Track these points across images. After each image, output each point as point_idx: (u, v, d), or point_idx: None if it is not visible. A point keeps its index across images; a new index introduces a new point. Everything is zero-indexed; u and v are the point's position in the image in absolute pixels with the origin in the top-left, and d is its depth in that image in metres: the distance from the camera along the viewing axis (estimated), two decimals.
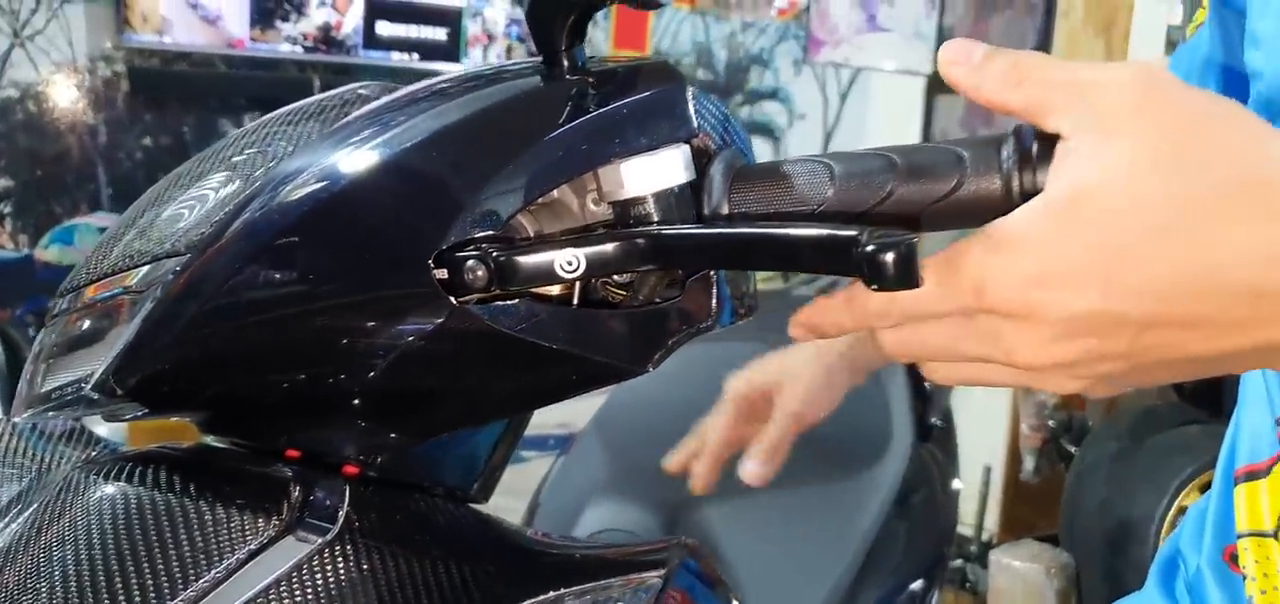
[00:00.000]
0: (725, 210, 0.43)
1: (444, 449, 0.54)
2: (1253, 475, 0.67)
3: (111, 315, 0.48)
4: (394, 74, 2.28)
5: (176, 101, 2.18)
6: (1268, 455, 0.66)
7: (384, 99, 0.49)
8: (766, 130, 2.85)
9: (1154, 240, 0.35)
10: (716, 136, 0.45)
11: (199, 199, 0.49)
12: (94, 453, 0.63)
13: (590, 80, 0.44)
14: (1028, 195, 0.38)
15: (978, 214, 0.39)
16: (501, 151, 0.43)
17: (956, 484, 1.57)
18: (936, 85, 3.01)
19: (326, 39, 2.18)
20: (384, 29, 2.23)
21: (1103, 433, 2.59)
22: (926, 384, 1.46)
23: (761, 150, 2.83)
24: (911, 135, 3.05)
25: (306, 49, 2.17)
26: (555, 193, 0.45)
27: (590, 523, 1.18)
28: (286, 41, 2.14)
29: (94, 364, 0.47)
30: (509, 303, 0.42)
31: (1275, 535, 0.66)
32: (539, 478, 1.32)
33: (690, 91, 0.45)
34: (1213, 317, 0.36)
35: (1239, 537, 0.67)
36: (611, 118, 0.43)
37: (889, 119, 3.00)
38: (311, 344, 0.44)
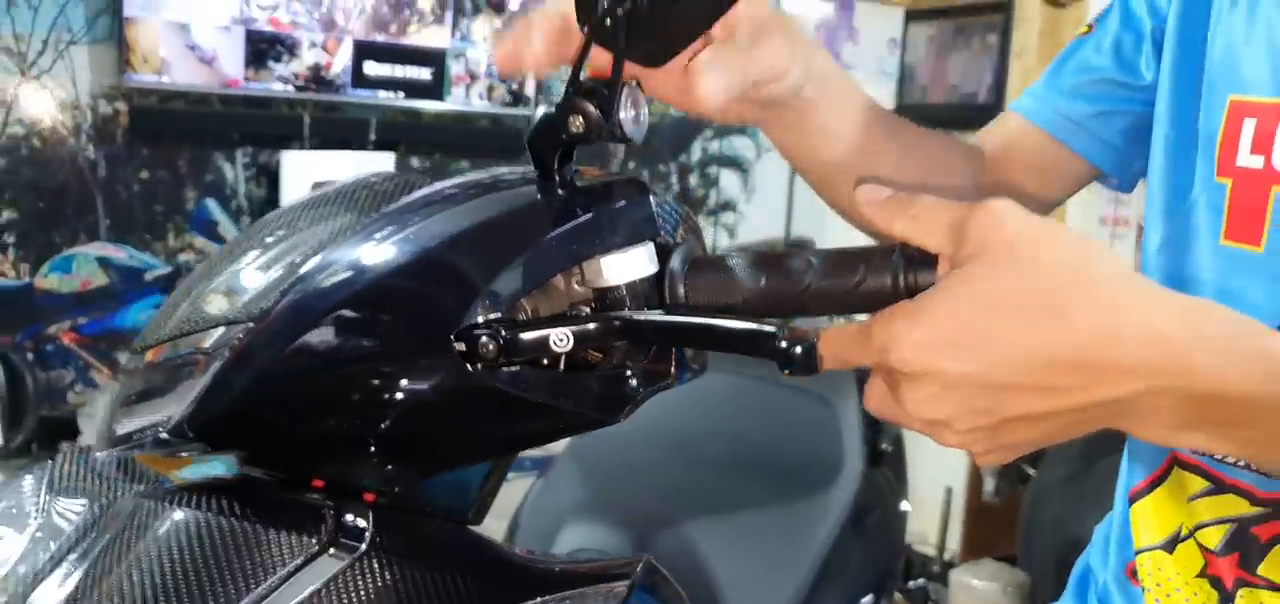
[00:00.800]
0: (682, 295, 0.55)
1: (446, 480, 0.66)
2: (1142, 493, 0.80)
3: (183, 371, 0.59)
4: (381, 111, 2.40)
5: (173, 137, 2.28)
6: (1154, 469, 0.78)
7: (402, 200, 0.60)
8: (736, 163, 2.98)
9: (1009, 323, 0.48)
10: (674, 234, 0.57)
11: (255, 272, 0.60)
12: (148, 485, 0.73)
13: (575, 191, 0.57)
14: (910, 291, 0.51)
15: (874, 304, 0.52)
16: (507, 251, 0.55)
17: (904, 505, 1.69)
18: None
19: (317, 78, 2.29)
20: (371, 69, 2.34)
21: (1057, 455, 2.72)
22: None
23: (731, 181, 2.96)
24: None
25: (298, 88, 2.27)
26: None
27: (566, 541, 1.29)
28: (278, 81, 2.25)
29: (167, 411, 0.58)
30: (511, 369, 0.54)
31: (1166, 549, 0.78)
32: (518, 498, 1.43)
33: (654, 200, 0.57)
34: (1053, 382, 0.49)
35: (1137, 552, 0.79)
36: (593, 223, 0.55)
37: None
38: (346, 398, 0.56)
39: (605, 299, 0.55)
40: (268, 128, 2.34)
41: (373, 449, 0.60)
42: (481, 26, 2.44)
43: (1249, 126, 0.72)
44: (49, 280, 2.21)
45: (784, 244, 3.02)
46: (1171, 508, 0.77)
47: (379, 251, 0.56)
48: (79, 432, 2.12)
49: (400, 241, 0.56)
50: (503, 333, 0.53)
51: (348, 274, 0.56)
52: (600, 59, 0.54)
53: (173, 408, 0.58)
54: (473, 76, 2.45)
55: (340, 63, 2.30)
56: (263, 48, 2.22)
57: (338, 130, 2.38)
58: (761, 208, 3.00)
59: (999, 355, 0.48)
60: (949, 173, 0.84)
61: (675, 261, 0.55)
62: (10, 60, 2.12)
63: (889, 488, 1.68)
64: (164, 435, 0.58)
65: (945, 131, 0.91)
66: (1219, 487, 0.73)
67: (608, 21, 0.51)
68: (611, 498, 1.35)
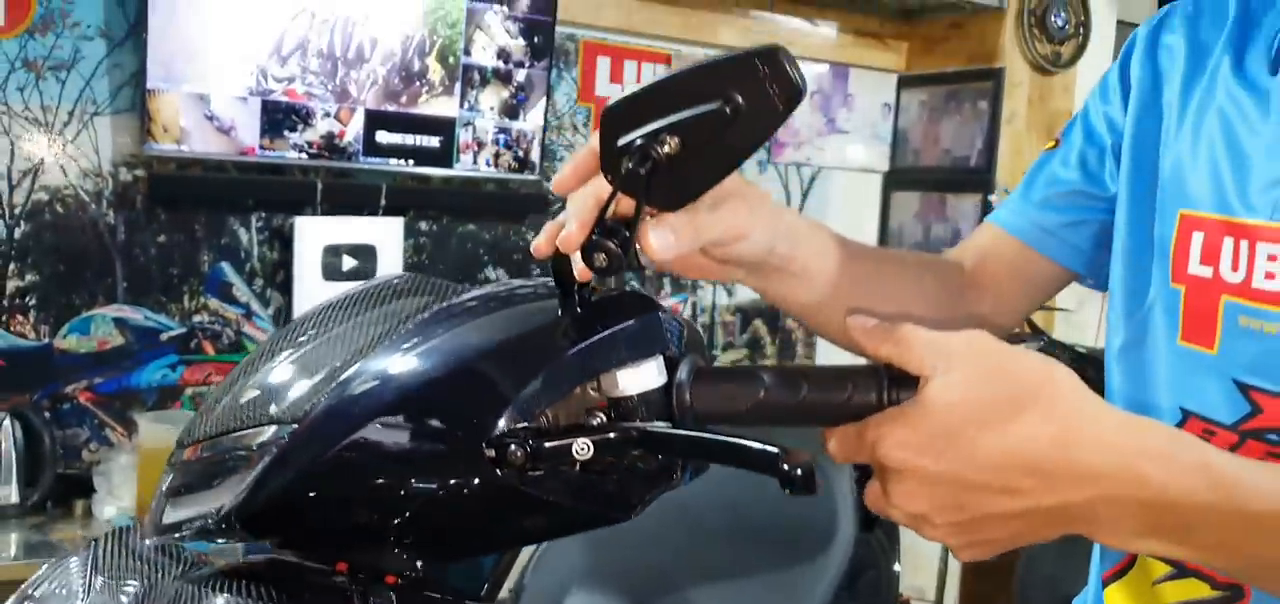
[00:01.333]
0: (688, 404, 0.62)
1: (461, 563, 0.73)
2: (1114, 578, 0.86)
3: (227, 466, 0.66)
4: (391, 177, 2.48)
5: (190, 202, 2.36)
6: (1124, 555, 0.84)
7: (431, 311, 0.68)
8: None
9: (978, 430, 0.55)
10: (678, 345, 0.65)
11: (294, 374, 0.67)
12: (185, 567, 0.80)
13: (591, 308, 0.64)
14: (893, 406, 0.58)
15: (861, 417, 0.59)
16: (532, 365, 0.62)
17: (896, 568, 1.75)
18: (892, 182, 3.24)
19: (330, 146, 2.37)
20: (383, 137, 2.42)
21: None
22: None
23: None
24: (870, 228, 3.27)
25: (311, 155, 2.36)
26: None
27: None
28: (293, 149, 2.34)
29: (214, 503, 0.65)
30: (536, 473, 0.61)
31: None
32: (521, 562, 1.49)
33: (662, 317, 0.65)
34: (1015, 484, 0.56)
35: None
36: (609, 339, 0.62)
37: (848, 213, 3.22)
38: (380, 495, 0.63)
39: (618, 406, 0.62)
40: (282, 194, 2.43)
41: (398, 538, 0.67)
42: (489, 97, 2.53)
43: (1197, 239, 0.79)
44: (68, 341, 2.28)
45: None
46: (1141, 591, 0.83)
47: (413, 363, 0.63)
48: (94, 490, 2.18)
49: (433, 353, 0.64)
50: (530, 443, 0.60)
51: (385, 384, 0.63)
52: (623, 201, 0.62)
53: (219, 500, 0.65)
54: (479, 144, 2.54)
55: (353, 131, 2.39)
56: (278, 117, 2.31)
57: (350, 196, 2.46)
58: None
59: (967, 457, 0.56)
60: (925, 295, 0.92)
61: (682, 373, 0.62)
62: (38, 131, 2.21)
63: (882, 550, 1.74)
64: (212, 526, 0.64)
65: (920, 253, 1.00)
66: (1182, 571, 0.79)
67: (634, 176, 0.59)
68: (613, 564, 1.41)
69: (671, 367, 0.63)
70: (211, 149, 2.26)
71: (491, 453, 0.60)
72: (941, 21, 3.09)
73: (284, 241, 2.43)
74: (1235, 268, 0.76)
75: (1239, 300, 0.75)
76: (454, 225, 2.66)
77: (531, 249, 0.68)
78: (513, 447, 0.60)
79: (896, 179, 3.20)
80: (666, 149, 0.58)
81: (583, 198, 0.64)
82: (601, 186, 0.62)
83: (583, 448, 0.60)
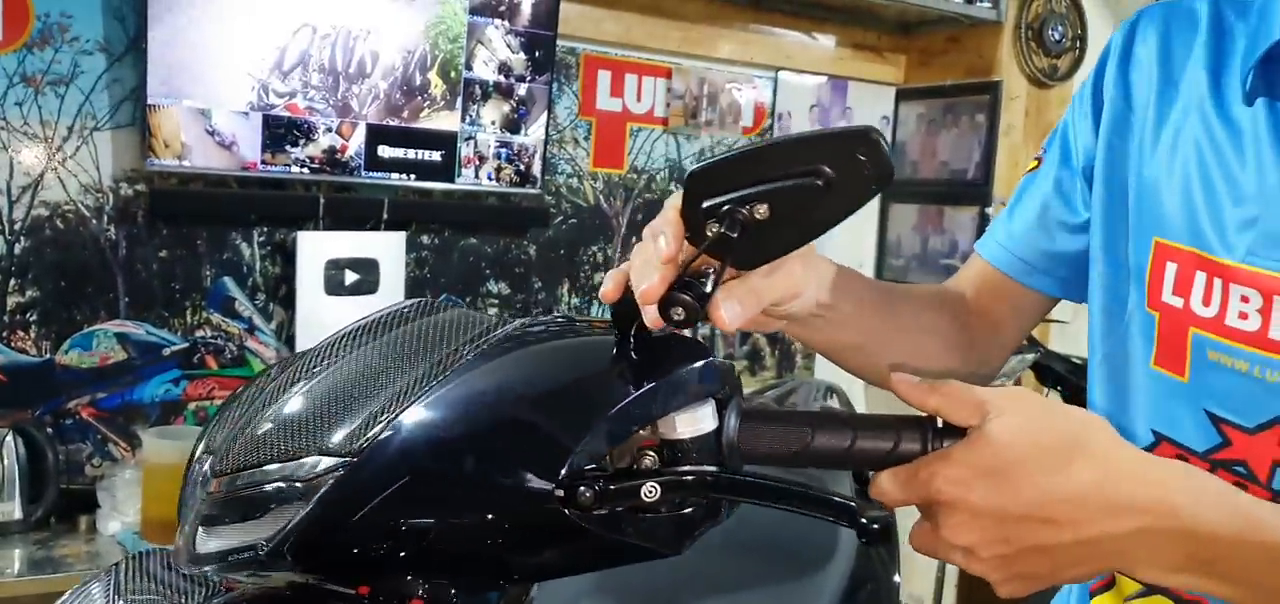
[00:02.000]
0: (737, 446, 0.64)
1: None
2: (1103, 589, 0.88)
3: (271, 498, 0.66)
4: (393, 191, 2.48)
5: (192, 218, 2.36)
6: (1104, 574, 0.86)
7: (483, 345, 0.69)
8: None
9: (1024, 469, 0.59)
10: (726, 388, 0.66)
11: (336, 404, 0.67)
12: (207, 590, 0.80)
13: (648, 352, 0.66)
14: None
15: (906, 463, 0.62)
16: (598, 408, 0.63)
17: (897, 579, 1.76)
18: (890, 194, 3.25)
19: (332, 161, 2.37)
20: (384, 152, 2.43)
21: None
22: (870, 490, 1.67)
23: None
24: (868, 241, 3.28)
25: (313, 170, 2.36)
26: None
27: None
28: (295, 164, 2.34)
29: (255, 535, 0.65)
30: (601, 512, 0.62)
31: None
32: None
33: (714, 362, 0.66)
34: (1054, 516, 0.59)
35: None
36: (670, 385, 0.64)
37: (847, 226, 3.22)
38: (441, 530, 0.64)
39: (671, 447, 0.64)
40: (284, 208, 2.43)
41: (442, 567, 0.68)
42: (490, 111, 2.53)
43: (1171, 269, 0.80)
44: (69, 356, 2.27)
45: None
46: None
47: (480, 400, 0.65)
48: (98, 505, 2.18)
49: (498, 391, 0.65)
50: (599, 486, 0.62)
51: (451, 420, 0.64)
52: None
53: (261, 532, 0.66)
54: (481, 158, 2.55)
55: (354, 146, 2.39)
56: (280, 132, 2.31)
57: (351, 210, 2.46)
58: None
59: (1015, 492, 0.59)
60: (939, 328, 0.94)
61: (731, 417, 0.64)
62: (37, 146, 2.20)
63: (882, 563, 1.75)
64: (261, 557, 0.65)
65: (929, 286, 1.02)
66: (1151, 589, 0.81)
67: (723, 238, 0.62)
68: (621, 579, 1.42)
69: (720, 408, 0.65)
70: (213, 164, 2.26)
71: (561, 493, 0.62)
72: (939, 35, 3.11)
73: (286, 256, 2.43)
74: (1207, 303, 0.77)
75: (1209, 335, 0.77)
76: (456, 239, 2.67)
77: (600, 295, 0.70)
78: (583, 488, 0.61)
79: (894, 191, 3.21)
80: (757, 215, 0.61)
81: (659, 254, 0.65)
82: (679, 244, 0.64)
83: (651, 491, 0.62)
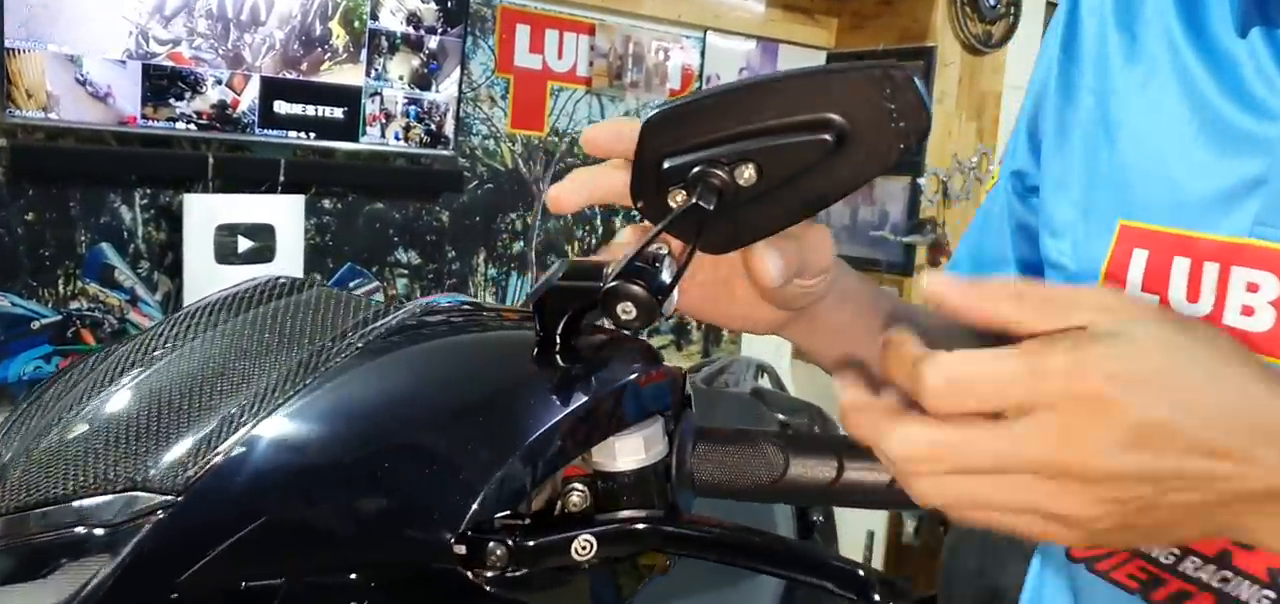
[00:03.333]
0: (690, 475, 0.49)
1: None
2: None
3: (57, 548, 0.49)
4: (291, 151, 2.28)
5: (62, 177, 2.13)
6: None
7: (359, 344, 0.53)
8: None
9: (1201, 379, 0.41)
10: (675, 403, 0.51)
11: (159, 418, 0.51)
12: None
13: (582, 361, 0.50)
14: None
15: (908, 505, 0.46)
16: (514, 434, 0.47)
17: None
18: None
19: (222, 117, 2.16)
20: (281, 108, 2.22)
21: None
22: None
23: None
24: None
25: (201, 127, 2.15)
26: None
27: None
28: (180, 120, 2.12)
29: (42, 600, 0.49)
30: (516, 573, 0.47)
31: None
32: None
33: (667, 370, 0.51)
34: (1231, 447, 0.41)
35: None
36: (608, 405, 0.49)
37: None
38: (295, 594, 0.48)
39: (605, 479, 0.49)
40: (168, 168, 2.21)
41: None
42: (398, 65, 2.35)
43: (1138, 259, 0.62)
44: None
45: None
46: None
47: (352, 418, 0.49)
48: None
49: (377, 405, 0.49)
50: (514, 541, 0.45)
51: (312, 446, 0.48)
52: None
53: (45, 597, 0.49)
54: (388, 116, 2.36)
55: (247, 101, 2.18)
56: (162, 84, 2.09)
57: (245, 171, 2.26)
58: None
59: (1194, 404, 0.41)
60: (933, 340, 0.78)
61: (685, 441, 0.49)
62: None
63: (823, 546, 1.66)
64: None
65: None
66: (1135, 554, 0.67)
67: (693, 211, 0.45)
68: None
69: (667, 428, 0.50)
70: (86, 117, 2.04)
71: (463, 550, 0.46)
72: None
73: (172, 221, 2.22)
74: (1194, 297, 0.59)
75: None
76: (361, 204, 2.47)
77: (549, 200, 0.53)
78: (492, 544, 0.46)
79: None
80: (740, 180, 0.44)
81: (600, 184, 0.51)
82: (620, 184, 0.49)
83: (584, 545, 0.47)
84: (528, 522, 0.48)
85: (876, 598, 0.44)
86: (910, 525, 3.13)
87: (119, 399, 0.55)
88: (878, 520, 3.12)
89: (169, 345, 0.60)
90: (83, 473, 0.51)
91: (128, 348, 0.62)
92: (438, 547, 0.47)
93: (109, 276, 2.21)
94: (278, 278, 0.64)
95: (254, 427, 0.49)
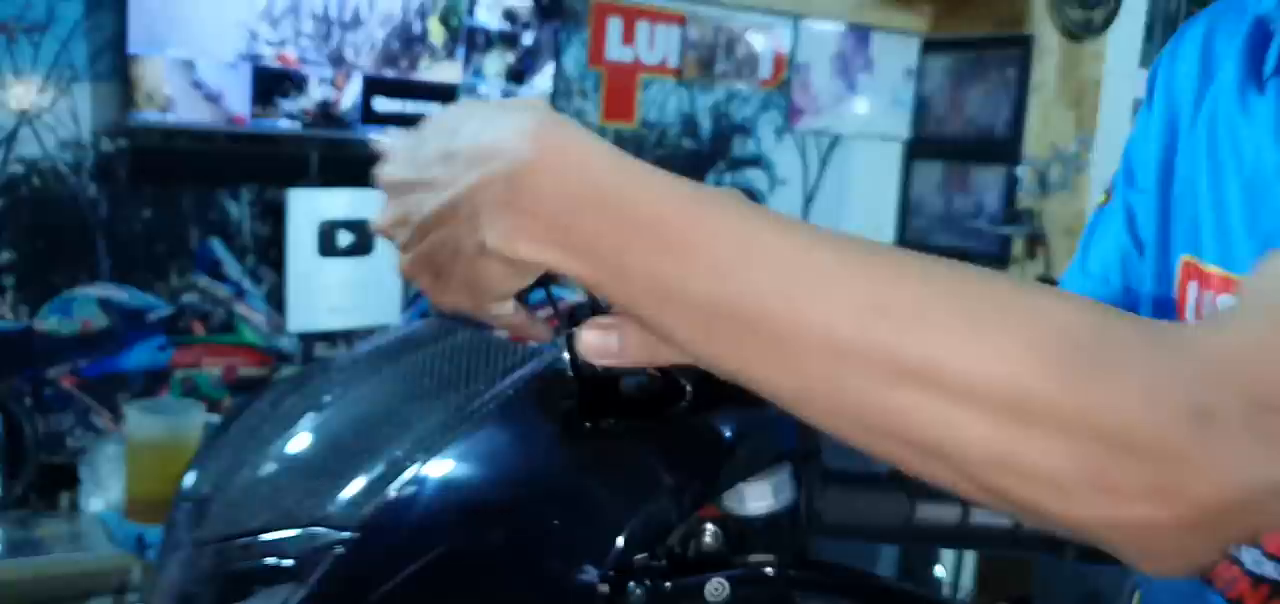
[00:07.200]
0: (820, 519, 0.51)
1: None
2: None
3: (264, 577, 0.53)
4: None
5: (177, 175, 2.22)
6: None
7: (516, 384, 0.56)
8: (750, 195, 2.93)
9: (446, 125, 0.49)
10: (803, 445, 0.53)
11: (335, 456, 0.55)
12: None
13: (712, 402, 0.52)
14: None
15: (1033, 548, 0.49)
16: (653, 479, 0.50)
17: (939, 570, 1.66)
18: (914, 150, 3.11)
19: (325, 115, 2.23)
20: (381, 105, 2.28)
21: None
22: None
23: None
24: (890, 198, 3.15)
25: (305, 125, 2.21)
26: None
27: None
28: (285, 117, 2.19)
29: None
30: None
31: None
32: None
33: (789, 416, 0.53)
34: (435, 172, 0.48)
35: None
36: (739, 444, 0.51)
37: (868, 183, 3.09)
38: None
39: (737, 521, 0.51)
40: (274, 166, 2.28)
41: None
42: (494, 61, 2.38)
43: (1192, 292, 0.66)
44: (48, 323, 2.14)
45: None
46: None
47: (505, 466, 0.52)
48: (79, 481, 2.06)
49: (528, 458, 0.52)
50: (653, 583, 0.48)
51: (472, 491, 0.52)
52: None
53: None
54: None
55: (349, 98, 2.24)
56: (270, 85, 2.16)
57: (346, 168, 2.32)
58: None
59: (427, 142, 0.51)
60: None
61: (814, 486, 0.51)
62: (11, 98, 2.05)
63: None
64: None
65: None
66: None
67: None
68: None
69: (796, 472, 0.52)
70: (199, 118, 2.12)
71: (606, 589, 0.49)
72: None
73: (277, 216, 2.29)
74: None
75: None
76: None
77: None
78: (632, 584, 0.48)
79: (919, 148, 3.07)
80: None
81: None
82: None
83: (718, 589, 0.49)
84: (665, 563, 0.51)
85: None
86: None
87: (299, 440, 0.60)
88: None
89: (337, 389, 0.64)
90: (272, 509, 0.55)
91: (302, 391, 0.66)
92: (584, 587, 0.49)
93: (217, 271, 2.29)
94: (426, 324, 0.67)
95: (419, 468, 0.53)
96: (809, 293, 0.40)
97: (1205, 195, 0.67)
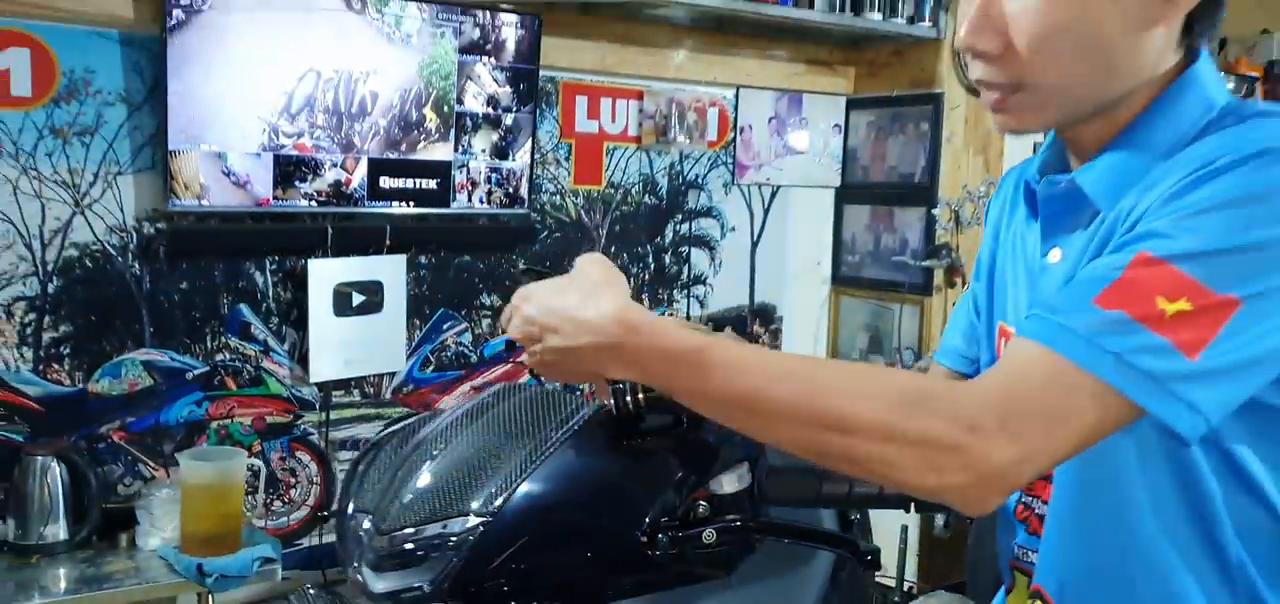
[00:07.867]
0: (766, 493, 0.89)
1: None
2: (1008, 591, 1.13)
3: (432, 548, 0.90)
4: (394, 219, 2.69)
5: (210, 251, 2.55)
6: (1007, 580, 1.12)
7: (576, 426, 0.93)
8: (703, 242, 3.32)
9: (548, 290, 0.86)
10: (755, 451, 0.91)
11: (473, 472, 0.92)
12: None
13: (701, 429, 0.91)
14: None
15: (901, 502, 0.87)
16: (669, 478, 0.90)
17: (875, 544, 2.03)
18: (844, 196, 3.52)
19: (337, 194, 2.57)
20: (385, 182, 2.63)
21: None
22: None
23: (701, 258, 3.29)
24: (825, 238, 3.55)
25: (320, 203, 2.55)
26: None
27: None
28: (303, 198, 2.53)
29: (420, 579, 0.90)
30: (672, 552, 0.89)
31: None
32: None
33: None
34: (547, 322, 0.84)
35: None
36: (721, 456, 0.89)
37: (805, 226, 3.49)
38: (555, 566, 0.89)
39: (718, 497, 0.89)
40: (294, 239, 2.62)
41: (544, 594, 0.93)
42: (480, 140, 2.74)
43: (1004, 346, 1.03)
44: (100, 385, 2.45)
45: (748, 309, 3.36)
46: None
47: (574, 478, 0.89)
48: (136, 522, 2.37)
49: (591, 472, 0.90)
50: (671, 532, 0.87)
51: (562, 488, 0.90)
52: None
53: (424, 575, 0.90)
54: (473, 183, 2.76)
55: (358, 179, 2.59)
56: (289, 170, 2.50)
57: (356, 238, 2.66)
58: (728, 280, 3.35)
59: (537, 301, 0.87)
60: None
61: (762, 474, 0.89)
62: (66, 192, 2.37)
63: (860, 548, 2.02)
64: (428, 595, 0.89)
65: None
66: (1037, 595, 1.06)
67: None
68: None
69: (752, 467, 0.90)
70: (229, 202, 2.44)
71: (644, 539, 0.87)
72: (885, 49, 3.37)
73: (298, 283, 2.62)
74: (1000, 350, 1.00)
75: None
76: (451, 258, 2.88)
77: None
78: (662, 535, 0.86)
79: (848, 194, 3.48)
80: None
81: None
82: None
83: (710, 535, 0.87)
84: (677, 523, 0.89)
85: (860, 547, 0.84)
86: (939, 520, 3.48)
87: (437, 466, 0.97)
88: (912, 518, 3.47)
89: (449, 434, 1.01)
90: (432, 508, 0.92)
91: (420, 436, 1.03)
92: (630, 539, 0.87)
93: (247, 332, 2.62)
94: (491, 392, 1.05)
95: (521, 483, 0.90)
96: (771, 384, 0.78)
97: (1009, 283, 1.05)
